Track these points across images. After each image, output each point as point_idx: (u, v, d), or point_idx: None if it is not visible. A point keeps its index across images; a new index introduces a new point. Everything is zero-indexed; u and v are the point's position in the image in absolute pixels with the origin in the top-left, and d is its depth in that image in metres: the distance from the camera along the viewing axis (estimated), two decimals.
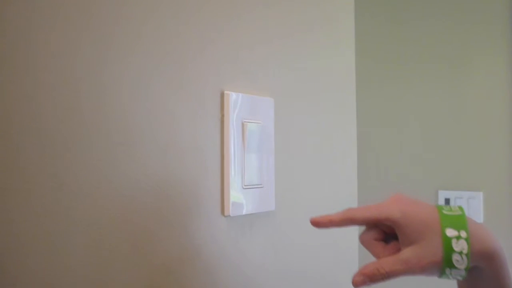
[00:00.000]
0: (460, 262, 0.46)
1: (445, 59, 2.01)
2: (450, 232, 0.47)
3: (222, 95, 0.62)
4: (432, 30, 2.03)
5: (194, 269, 0.58)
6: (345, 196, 0.86)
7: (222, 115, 0.62)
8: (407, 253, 0.47)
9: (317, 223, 0.50)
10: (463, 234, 0.46)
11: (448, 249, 0.46)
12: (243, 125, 0.64)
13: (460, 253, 0.46)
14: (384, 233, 0.51)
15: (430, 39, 2.04)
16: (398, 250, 0.49)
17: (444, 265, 0.46)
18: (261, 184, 0.67)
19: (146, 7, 0.53)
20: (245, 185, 0.64)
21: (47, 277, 0.44)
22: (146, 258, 0.52)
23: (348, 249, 0.86)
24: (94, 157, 0.48)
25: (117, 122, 0.50)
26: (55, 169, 0.45)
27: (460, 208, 0.50)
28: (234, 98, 0.62)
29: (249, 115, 0.65)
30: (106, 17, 0.49)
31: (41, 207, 0.44)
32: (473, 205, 1.90)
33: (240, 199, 0.63)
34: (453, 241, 0.46)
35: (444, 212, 0.49)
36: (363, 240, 0.52)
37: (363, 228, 0.53)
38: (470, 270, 0.47)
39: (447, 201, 1.96)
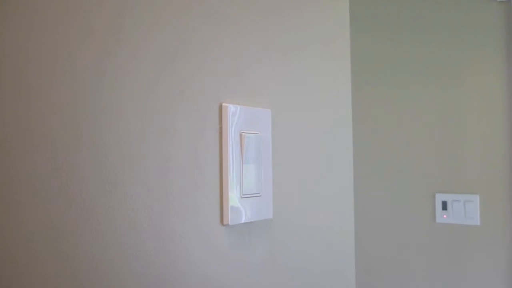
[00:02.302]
0: None
1: (441, 64, 2.03)
2: None
3: (220, 108, 0.63)
4: (429, 34, 2.05)
5: (194, 277, 0.59)
6: (341, 203, 0.88)
7: (221, 127, 0.63)
8: None
9: None
10: None
11: None
12: (241, 136, 0.66)
13: None
14: None
15: (426, 44, 2.06)
16: None
17: None
18: (259, 193, 0.68)
19: (146, 21, 0.55)
20: (243, 194, 0.66)
21: None
22: (145, 264, 0.54)
23: (345, 255, 0.87)
24: (90, 168, 0.49)
25: (115, 134, 0.52)
26: (54, 172, 0.46)
27: None
28: (232, 110, 0.64)
29: (247, 126, 0.67)
30: (105, 29, 0.51)
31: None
32: (470, 208, 1.92)
33: (238, 208, 0.65)
34: None
35: None
36: None
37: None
38: None
39: (444, 204, 1.98)
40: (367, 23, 2.22)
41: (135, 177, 0.53)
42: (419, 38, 2.10)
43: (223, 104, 0.64)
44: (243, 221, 0.65)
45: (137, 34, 0.54)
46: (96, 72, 0.50)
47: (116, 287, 0.51)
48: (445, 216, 2.02)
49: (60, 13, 0.47)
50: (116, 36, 0.52)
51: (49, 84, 0.46)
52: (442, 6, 2.03)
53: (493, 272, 1.88)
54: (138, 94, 0.54)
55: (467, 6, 1.97)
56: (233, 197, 0.64)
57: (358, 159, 2.19)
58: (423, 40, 2.09)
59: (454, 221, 1.99)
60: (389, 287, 2.07)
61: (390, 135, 2.17)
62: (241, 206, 0.65)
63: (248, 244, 0.67)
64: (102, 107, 0.50)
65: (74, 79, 0.48)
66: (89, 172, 0.49)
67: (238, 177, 0.65)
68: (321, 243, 0.82)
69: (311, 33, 0.81)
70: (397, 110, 2.15)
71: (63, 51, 0.47)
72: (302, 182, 0.78)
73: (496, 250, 1.90)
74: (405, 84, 2.14)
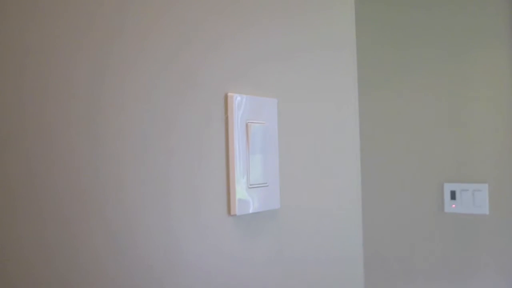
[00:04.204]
0: None
1: (448, 54, 2.02)
2: None
3: (226, 97, 0.63)
4: (435, 22, 2.04)
5: (202, 267, 0.59)
6: (349, 193, 0.87)
7: (227, 117, 0.63)
8: None
9: None
10: None
11: None
12: (247, 126, 0.65)
13: None
14: None
15: (433, 32, 2.04)
16: None
17: None
18: (266, 183, 0.68)
19: (151, 12, 0.54)
20: (250, 185, 0.65)
21: None
22: (153, 256, 0.54)
23: (353, 244, 0.87)
24: (92, 162, 0.49)
25: (120, 126, 0.51)
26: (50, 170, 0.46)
27: None
28: (238, 100, 0.64)
29: (253, 116, 0.66)
30: (110, 21, 0.51)
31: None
32: (479, 197, 1.91)
33: (246, 198, 0.65)
34: None
35: None
36: None
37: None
38: None
39: (453, 193, 1.96)
40: (372, 14, 2.20)
41: (140, 169, 0.53)
42: (425, 29, 2.09)
43: (229, 93, 0.63)
44: (250, 211, 0.65)
45: (142, 24, 0.54)
46: (100, 63, 0.49)
47: (125, 280, 0.51)
48: (453, 205, 2.00)
49: (62, 4, 0.47)
50: (120, 27, 0.51)
51: (51, 76, 0.46)
52: (446, 9, 2.01)
53: (502, 261, 1.87)
54: (142, 84, 0.53)
55: (471, 9, 1.95)
56: (240, 187, 0.64)
57: (365, 149, 2.18)
58: (430, 30, 2.07)
59: (463, 211, 1.98)
60: (398, 276, 2.07)
61: (398, 124, 2.16)
62: (248, 196, 0.65)
63: (256, 234, 0.67)
64: (105, 99, 0.50)
65: (77, 70, 0.48)
66: (91, 166, 0.49)
67: (245, 168, 0.65)
68: (329, 233, 0.81)
69: (317, 22, 0.80)
70: (405, 100, 2.14)
71: (66, 42, 0.47)
72: (309, 172, 0.78)
73: (505, 239, 1.89)
74: (414, 74, 2.13)
